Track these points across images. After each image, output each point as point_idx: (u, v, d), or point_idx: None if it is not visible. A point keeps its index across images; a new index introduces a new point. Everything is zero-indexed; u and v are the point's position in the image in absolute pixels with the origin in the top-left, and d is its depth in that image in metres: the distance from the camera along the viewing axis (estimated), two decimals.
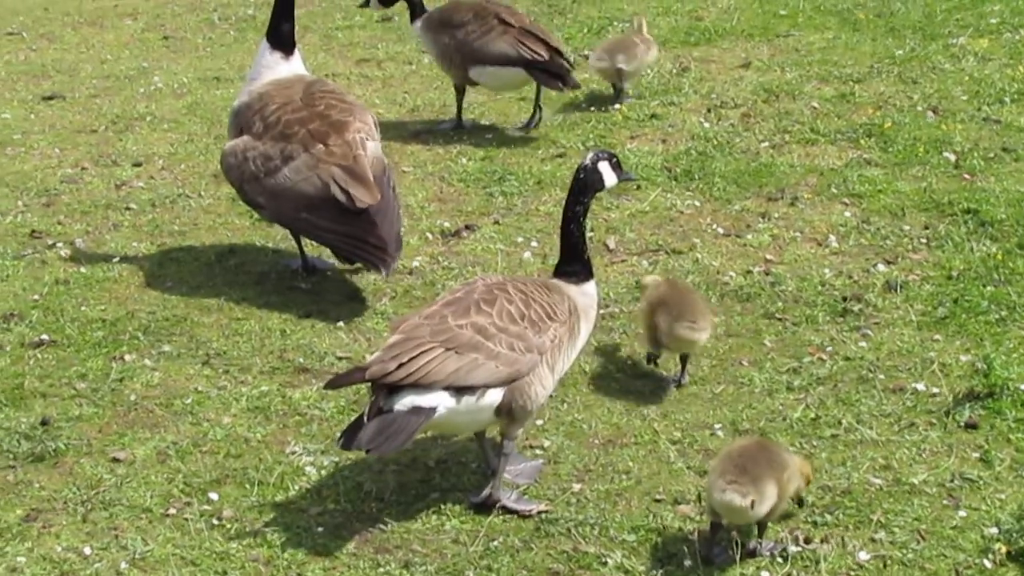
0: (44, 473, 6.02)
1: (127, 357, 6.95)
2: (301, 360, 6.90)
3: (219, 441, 6.22)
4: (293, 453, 6.12)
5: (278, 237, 8.29)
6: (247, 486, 5.87)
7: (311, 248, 7.97)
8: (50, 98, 11.10)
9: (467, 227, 8.32)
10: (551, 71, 9.41)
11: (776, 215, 8.34)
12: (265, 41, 8.11)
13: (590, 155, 6.00)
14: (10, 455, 6.14)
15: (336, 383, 5.85)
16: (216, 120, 10.33)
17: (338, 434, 5.62)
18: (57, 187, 9.21)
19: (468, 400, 5.52)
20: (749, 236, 8.11)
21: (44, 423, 6.35)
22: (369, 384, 5.52)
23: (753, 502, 5.15)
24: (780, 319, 7.19)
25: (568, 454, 6.09)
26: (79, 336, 7.17)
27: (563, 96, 10.29)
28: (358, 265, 7.77)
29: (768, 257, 7.85)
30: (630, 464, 5.99)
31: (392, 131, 9.63)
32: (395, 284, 7.67)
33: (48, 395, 6.65)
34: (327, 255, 7.96)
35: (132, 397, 6.60)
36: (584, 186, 5.92)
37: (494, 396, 5.58)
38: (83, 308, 7.47)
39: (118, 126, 10.36)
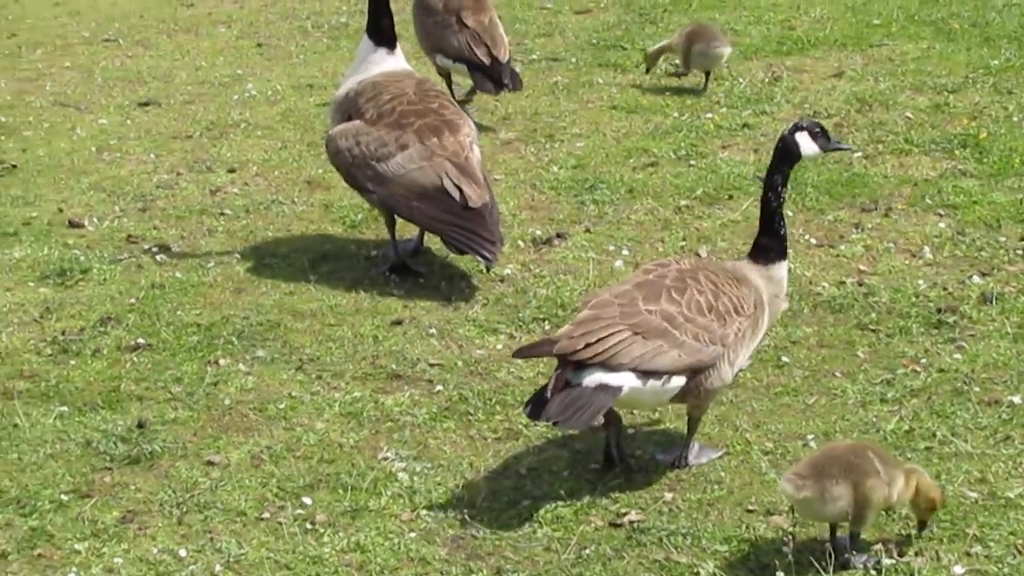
0: (140, 475, 6.09)
1: (222, 361, 7.02)
2: (393, 366, 6.93)
3: (312, 446, 6.25)
4: (385, 459, 6.14)
5: (370, 245, 8.35)
6: (340, 491, 5.90)
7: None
8: (146, 104, 11.23)
9: (558, 235, 8.32)
10: (489, 75, 9.96)
11: (869, 226, 8.29)
12: (367, 37, 8.26)
13: (790, 125, 6.10)
14: (107, 457, 6.21)
15: (524, 353, 6.02)
16: (309, 127, 10.42)
17: (525, 402, 5.76)
18: (153, 192, 9.32)
19: (653, 383, 5.69)
20: (842, 247, 8.06)
21: (140, 426, 6.42)
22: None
23: (808, 497, 5.16)
24: (874, 330, 7.13)
25: (658, 463, 6.08)
26: (174, 340, 7.25)
27: (654, 105, 10.33)
28: (446, 271, 7.83)
29: (861, 268, 7.80)
30: (722, 474, 5.97)
31: (482, 138, 9.67)
32: (486, 292, 7.70)
33: (144, 398, 6.72)
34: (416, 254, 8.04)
35: (227, 401, 6.66)
36: (782, 156, 6.03)
37: (677, 382, 5.74)
38: (178, 312, 7.55)
39: (213, 132, 10.47)
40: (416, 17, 10.50)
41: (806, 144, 6.03)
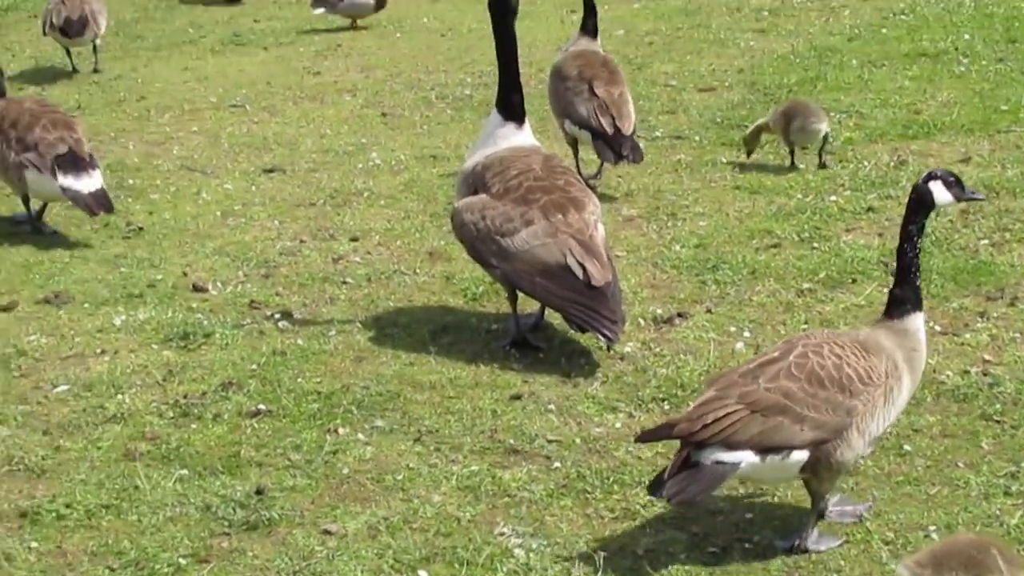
0: (258, 542, 6.11)
1: (341, 430, 7.04)
2: (512, 441, 6.92)
3: (429, 519, 6.25)
4: (502, 534, 6.12)
5: (491, 318, 8.37)
6: (456, 565, 5.89)
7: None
8: (271, 171, 11.37)
9: (679, 315, 8.29)
10: (610, 144, 10.17)
11: (995, 315, 8.17)
12: (496, 111, 8.29)
13: (924, 174, 6.10)
14: (225, 522, 6.24)
15: (646, 437, 6.12)
16: (432, 197, 10.49)
17: (647, 484, 5.91)
18: (276, 259, 9.42)
19: (772, 459, 5.71)
20: (967, 335, 7.95)
21: (259, 492, 6.46)
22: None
23: None
24: (998, 421, 7.01)
25: (776, 549, 6.00)
26: (295, 407, 7.29)
27: (777, 186, 10.29)
28: (565, 348, 7.82)
29: (986, 357, 7.68)
30: (841, 563, 5.88)
31: (605, 215, 9.65)
32: (606, 369, 7.67)
33: (263, 464, 6.75)
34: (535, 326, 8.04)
35: (345, 470, 6.67)
36: (916, 205, 6.01)
37: (799, 456, 5.75)
38: (299, 380, 7.60)
39: (336, 200, 10.57)
40: (551, 83, 10.73)
41: (940, 193, 6.03)
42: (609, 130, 10.20)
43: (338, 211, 10.34)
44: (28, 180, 9.96)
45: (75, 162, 9.85)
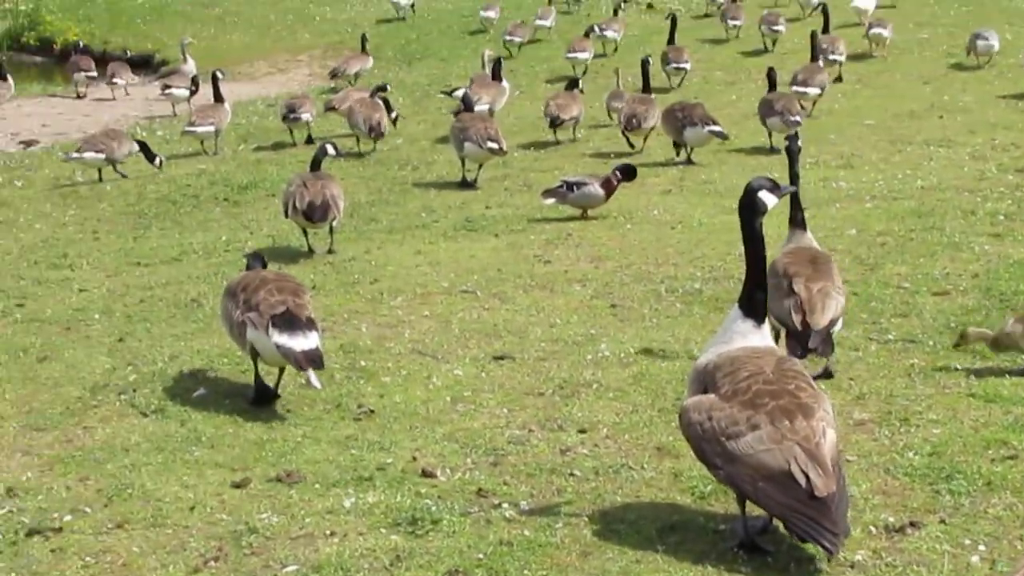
0: None
1: None
2: None
3: None
4: None
5: (719, 518, 8.28)
6: None
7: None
8: (501, 358, 11.48)
9: (912, 524, 8.09)
10: (798, 339, 10.27)
11: None
12: (736, 307, 8.29)
13: None
14: None
15: None
16: (660, 392, 10.47)
17: None
18: (504, 447, 9.47)
19: None
20: None
21: None
22: None
23: None
24: None
25: None
26: None
27: (1014, 395, 10.06)
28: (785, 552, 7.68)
29: None
30: None
31: (836, 418, 9.53)
32: None
33: None
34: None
35: None
36: None
37: None
38: (525, 571, 7.57)
39: (565, 391, 10.62)
40: (768, 279, 10.74)
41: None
42: (799, 326, 10.29)
43: (566, 402, 10.38)
44: (248, 337, 10.43)
45: (291, 321, 10.27)
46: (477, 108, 22.56)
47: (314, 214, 15.24)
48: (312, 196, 15.25)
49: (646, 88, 22.77)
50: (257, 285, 10.60)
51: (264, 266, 11.48)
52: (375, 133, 22.34)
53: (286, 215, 15.63)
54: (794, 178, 11.23)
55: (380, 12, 44.54)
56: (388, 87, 25.72)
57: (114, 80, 33.05)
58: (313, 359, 10.16)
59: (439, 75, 32.85)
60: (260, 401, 10.56)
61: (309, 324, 10.33)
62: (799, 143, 11.74)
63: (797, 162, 11.49)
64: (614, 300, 13.20)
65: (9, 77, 29.98)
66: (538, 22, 37.39)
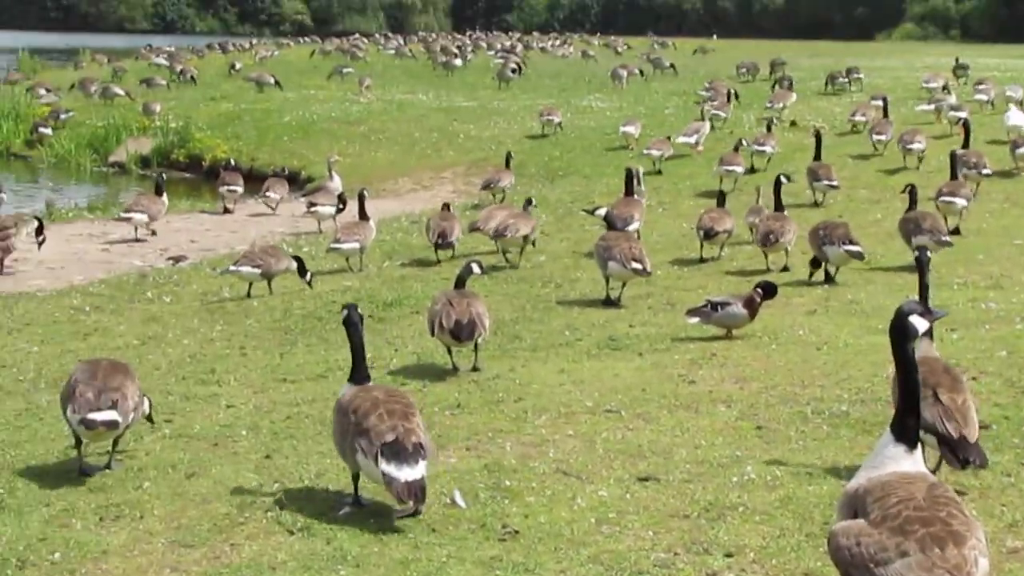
0: None
1: None
2: None
3: None
4: None
5: None
6: None
7: None
8: (645, 479, 11.40)
9: None
10: (954, 450, 10.29)
11: None
12: (889, 431, 8.21)
13: None
14: None
15: None
16: (808, 516, 10.32)
17: None
18: (650, 571, 9.37)
19: None
20: None
21: None
22: None
23: None
24: None
25: None
26: None
27: None
28: None
29: None
30: None
31: (988, 546, 9.33)
32: None
33: None
34: None
35: None
36: None
37: None
38: None
39: (711, 514, 10.50)
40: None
41: None
42: (955, 435, 10.28)
43: (712, 524, 10.26)
44: (358, 461, 10.62)
45: (399, 451, 10.41)
46: (630, 228, 22.76)
47: (461, 333, 15.33)
48: (459, 315, 15.35)
49: (778, 206, 22.79)
50: (368, 408, 10.69)
51: (361, 320, 11.56)
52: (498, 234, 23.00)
53: (432, 333, 15.71)
54: (923, 289, 11.57)
55: (523, 129, 45.04)
56: (534, 202, 25.99)
57: (268, 194, 33.65)
58: (415, 491, 10.26)
59: (582, 192, 33.07)
60: (355, 505, 10.84)
61: (416, 452, 10.43)
62: (928, 254, 12.16)
63: (927, 273, 11.82)
64: (760, 421, 13.07)
65: (165, 194, 30.66)
66: (682, 139, 37.57)
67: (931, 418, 10.33)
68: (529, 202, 25.07)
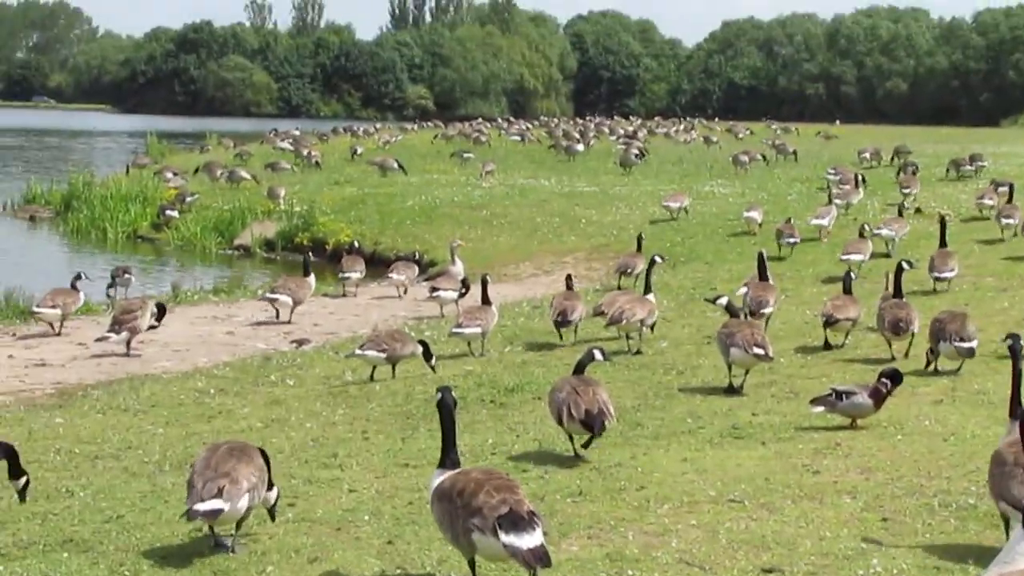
0: None
1: None
2: None
3: None
4: None
5: None
6: None
7: None
8: (769, 571, 11.28)
9: None
10: None
11: None
12: (1021, 527, 8.13)
13: None
14: None
15: None
16: None
17: None
18: None
19: None
20: None
21: None
22: None
23: None
24: None
25: None
26: None
27: None
28: None
29: None
30: None
31: None
32: None
33: None
34: None
35: None
36: None
37: None
38: None
39: None
40: (990, 467, 11.38)
41: None
42: None
43: None
44: (475, 541, 10.58)
45: (516, 521, 10.39)
46: (764, 312, 22.72)
47: (594, 423, 15.29)
48: (588, 404, 15.32)
49: (898, 293, 22.64)
50: (474, 488, 10.69)
51: (454, 403, 11.64)
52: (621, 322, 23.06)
53: (560, 422, 15.66)
54: (1017, 376, 11.93)
55: (645, 214, 45.12)
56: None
57: (395, 276, 33.90)
58: (540, 556, 10.25)
59: (704, 278, 32.99)
60: None
61: (532, 520, 10.45)
62: (1022, 342, 12.42)
63: (1020, 360, 12.09)
64: (885, 513, 12.88)
65: (312, 275, 31.05)
66: (814, 221, 37.50)
67: (1018, 494, 10.42)
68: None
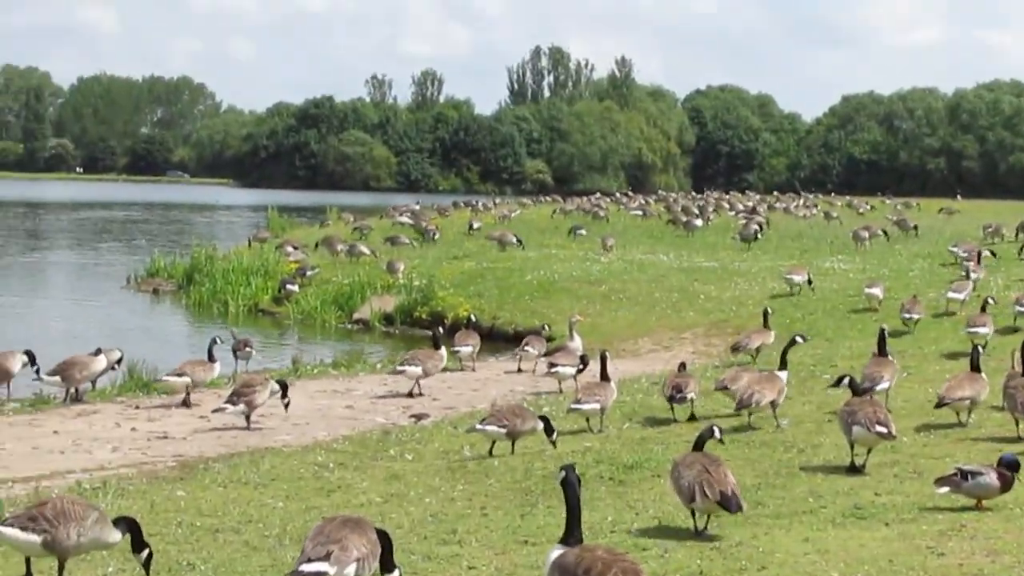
0: None
1: None
2: None
3: None
4: None
5: None
6: None
7: None
8: None
9: None
10: None
11: None
12: None
13: None
14: None
15: None
16: None
17: None
18: None
19: None
20: None
21: None
22: None
23: None
24: None
25: None
26: None
27: None
28: None
29: None
30: None
31: None
32: None
33: None
34: None
35: None
36: None
37: None
38: None
39: None
40: None
41: None
42: None
43: None
44: None
45: None
46: (880, 388, 22.48)
47: (731, 504, 15.24)
48: (720, 484, 15.27)
49: None
50: (602, 568, 10.67)
51: (579, 481, 11.82)
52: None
53: (691, 500, 15.52)
54: None
55: (765, 290, 44.85)
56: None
57: (526, 349, 33.90)
58: None
59: (824, 355, 32.66)
60: None
61: None
62: None
63: None
64: None
65: (443, 348, 31.22)
66: (951, 295, 37.28)
67: None
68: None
